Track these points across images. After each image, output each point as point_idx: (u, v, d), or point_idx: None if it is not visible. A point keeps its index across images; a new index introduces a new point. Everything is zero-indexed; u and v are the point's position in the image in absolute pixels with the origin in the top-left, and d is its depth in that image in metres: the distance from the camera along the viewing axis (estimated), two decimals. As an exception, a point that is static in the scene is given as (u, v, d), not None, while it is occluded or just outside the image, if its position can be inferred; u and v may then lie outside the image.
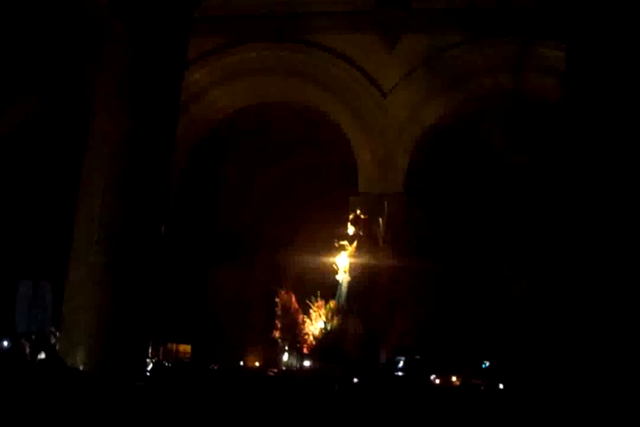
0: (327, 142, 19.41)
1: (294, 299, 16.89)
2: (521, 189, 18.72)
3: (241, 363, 17.51)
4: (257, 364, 17.46)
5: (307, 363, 15.97)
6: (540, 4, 16.34)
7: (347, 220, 17.26)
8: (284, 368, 15.99)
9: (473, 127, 18.42)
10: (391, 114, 17.97)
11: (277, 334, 16.80)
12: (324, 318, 16.38)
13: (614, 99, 10.51)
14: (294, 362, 16.25)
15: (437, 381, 15.50)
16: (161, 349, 17.37)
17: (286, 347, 16.51)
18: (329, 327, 16.28)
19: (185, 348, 18.15)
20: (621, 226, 9.81)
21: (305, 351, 16.27)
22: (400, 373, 14.90)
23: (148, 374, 12.55)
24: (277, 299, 16.91)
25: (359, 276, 16.43)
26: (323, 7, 18.11)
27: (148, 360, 13.28)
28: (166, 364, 16.02)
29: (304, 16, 18.20)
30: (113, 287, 11.43)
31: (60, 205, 14.30)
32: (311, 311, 16.64)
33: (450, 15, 17.44)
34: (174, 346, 17.90)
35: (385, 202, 17.43)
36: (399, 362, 15.19)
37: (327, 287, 17.00)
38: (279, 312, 16.86)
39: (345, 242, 16.90)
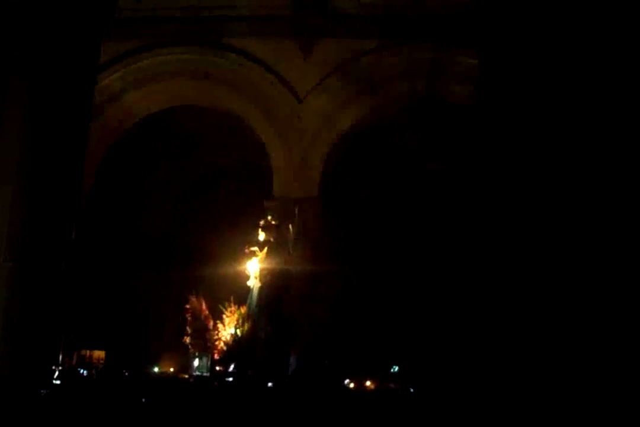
0: (244, 147, 19.38)
1: (204, 305, 16.83)
2: (437, 193, 18.92)
3: (156, 369, 17.33)
4: (171, 369, 17.29)
5: (217, 368, 15.92)
6: (456, 12, 16.55)
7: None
8: (195, 373, 15.92)
9: (389, 132, 18.58)
10: (306, 119, 18.04)
11: (187, 339, 16.73)
12: (234, 324, 16.37)
13: (525, 103, 10.72)
14: (205, 367, 16.19)
15: (352, 385, 15.59)
16: (75, 355, 17.11)
17: (196, 353, 16.43)
18: (239, 333, 16.27)
19: (100, 354, 17.89)
20: (536, 228, 9.98)
21: (216, 356, 16.23)
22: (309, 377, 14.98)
23: (57, 380, 12.38)
24: (187, 305, 16.83)
25: (269, 281, 16.46)
26: (240, 12, 18.12)
27: (58, 367, 13.07)
28: (80, 371, 15.86)
29: (220, 20, 18.17)
30: (21, 292, 11.26)
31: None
32: (224, 316, 16.62)
33: (366, 21, 17.60)
34: (88, 352, 17.63)
35: (296, 207, 17.50)
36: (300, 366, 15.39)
37: (241, 293, 17.00)
38: (189, 318, 16.79)
39: (255, 248, 16.91)
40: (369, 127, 18.39)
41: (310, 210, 17.63)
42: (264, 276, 16.50)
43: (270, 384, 13.94)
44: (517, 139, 10.55)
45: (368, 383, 15.76)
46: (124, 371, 15.75)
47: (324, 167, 18.10)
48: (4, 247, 11.29)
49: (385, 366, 16.03)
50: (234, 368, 15.50)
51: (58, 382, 12.40)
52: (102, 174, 18.85)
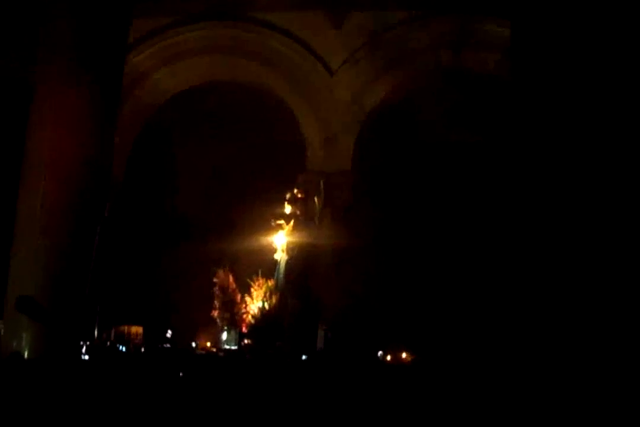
0: (276, 121, 19.36)
1: (231, 278, 16.98)
2: (469, 166, 18.80)
3: (193, 344, 17.51)
4: (208, 344, 17.49)
5: (245, 342, 16.12)
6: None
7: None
8: (224, 347, 16.13)
9: (418, 105, 18.45)
10: (338, 92, 17.97)
11: (215, 313, 16.92)
12: (262, 297, 16.51)
13: (560, 73, 10.60)
14: (233, 341, 16.39)
15: (388, 358, 15.65)
16: (112, 331, 17.32)
17: (225, 327, 16.61)
18: (267, 306, 16.41)
19: (138, 330, 18.09)
20: (575, 207, 9.88)
21: (244, 329, 16.40)
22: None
23: (86, 355, 12.58)
24: (214, 279, 16.99)
25: (296, 255, 16.55)
26: (269, -16, 18.05)
27: (91, 342, 13.27)
28: (119, 346, 16.08)
29: (248, -6, 18.13)
30: (57, 271, 11.43)
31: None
32: (252, 290, 16.76)
33: (395, -8, 17.47)
34: (126, 327, 17.84)
35: (321, 180, 17.51)
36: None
37: (268, 266, 17.13)
38: (216, 292, 16.96)
39: (282, 222, 17.00)
40: (399, 99, 18.28)
41: (343, 184, 17.65)
42: (291, 249, 16.62)
43: (304, 357, 14.05)
44: (551, 110, 10.45)
45: (404, 355, 15.84)
46: (162, 346, 15.96)
47: (356, 140, 18.05)
48: (37, 226, 11.47)
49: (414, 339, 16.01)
50: (260, 341, 15.63)
51: (87, 357, 12.60)
52: (134, 153, 18.96)
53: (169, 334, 17.53)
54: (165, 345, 16.50)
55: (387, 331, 15.99)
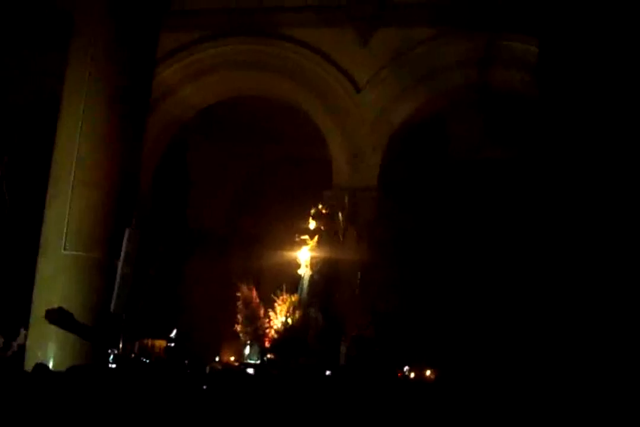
0: (301, 136, 19.43)
1: (255, 293, 16.99)
2: (497, 183, 18.77)
3: (217, 358, 17.51)
4: (232, 358, 17.48)
5: (268, 356, 16.09)
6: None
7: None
8: (247, 361, 16.11)
9: (445, 121, 18.47)
10: (365, 108, 17.97)
11: (238, 328, 16.91)
12: (286, 312, 16.51)
13: (587, 92, 10.61)
14: (256, 355, 16.36)
15: (412, 375, 15.58)
16: (137, 344, 17.36)
17: (248, 341, 16.60)
18: (290, 321, 16.39)
19: (161, 344, 18.14)
20: (603, 220, 9.86)
21: (267, 344, 16.38)
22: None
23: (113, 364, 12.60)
24: (238, 293, 17.00)
25: (319, 270, 16.55)
26: (297, 1, 18.16)
27: (119, 355, 13.28)
28: (143, 359, 16.08)
29: (276, 10, 18.22)
30: (84, 280, 11.49)
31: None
32: (276, 304, 16.76)
33: (422, 9, 17.48)
34: (150, 341, 17.88)
35: (347, 196, 17.50)
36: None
37: (293, 281, 17.14)
38: (240, 306, 16.96)
39: (306, 237, 17.01)
40: (425, 116, 18.28)
41: (368, 200, 17.63)
42: (315, 264, 16.61)
43: (328, 373, 14.01)
44: (577, 128, 10.46)
45: (428, 373, 15.76)
46: (185, 360, 15.93)
47: (383, 157, 18.04)
48: (65, 237, 11.52)
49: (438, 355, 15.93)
50: (283, 356, 15.62)
51: (114, 365, 12.61)
52: (161, 166, 19.05)
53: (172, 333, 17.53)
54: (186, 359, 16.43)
55: (410, 348, 15.91)
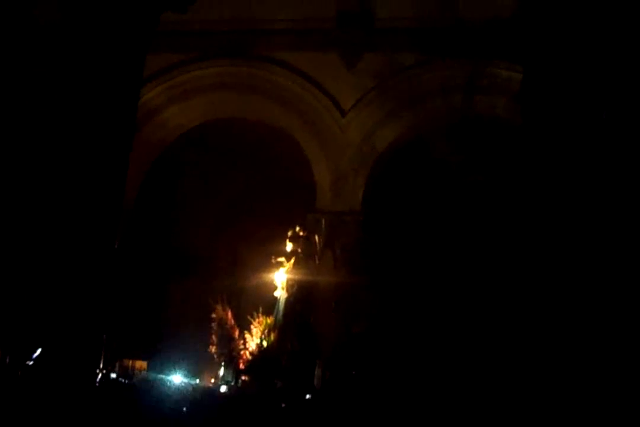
0: (286, 160, 19.47)
1: (230, 314, 17.01)
2: (479, 207, 18.84)
3: (197, 380, 17.45)
4: (212, 380, 17.42)
5: (243, 378, 16.10)
6: (492, 25, 16.60)
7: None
8: (220, 383, 16.12)
9: (429, 146, 18.55)
10: (350, 133, 18.09)
11: (212, 349, 16.93)
12: (261, 334, 16.52)
13: (570, 116, 10.74)
14: (230, 377, 16.38)
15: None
16: (117, 365, 17.28)
17: (222, 363, 16.61)
18: (265, 343, 16.40)
19: (142, 364, 18.06)
20: (581, 242, 9.97)
21: (241, 366, 16.38)
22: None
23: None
24: (213, 315, 17.02)
25: (295, 292, 16.58)
26: (284, 25, 18.27)
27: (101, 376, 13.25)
28: (122, 380, 16.01)
29: (264, 33, 18.33)
30: (63, 300, 11.43)
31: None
32: (252, 326, 16.78)
33: (408, 34, 17.63)
34: (130, 362, 17.80)
35: (322, 219, 17.56)
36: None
37: (269, 303, 17.19)
38: (215, 327, 16.98)
39: (282, 259, 17.08)
40: (410, 141, 18.39)
41: (350, 224, 17.67)
42: (291, 287, 16.64)
43: (308, 396, 14.00)
44: (560, 152, 10.57)
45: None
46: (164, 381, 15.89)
47: (366, 181, 18.11)
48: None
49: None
50: (257, 378, 15.60)
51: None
52: (146, 188, 19.04)
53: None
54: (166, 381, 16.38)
55: (386, 371, 15.87)
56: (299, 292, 16.68)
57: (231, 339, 16.92)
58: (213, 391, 15.45)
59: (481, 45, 16.97)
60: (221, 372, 16.76)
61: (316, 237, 17.33)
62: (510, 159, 14.81)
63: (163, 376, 16.82)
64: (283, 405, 13.12)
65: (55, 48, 13.03)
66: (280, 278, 17.08)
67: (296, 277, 16.82)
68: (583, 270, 9.93)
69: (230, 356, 16.73)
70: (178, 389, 15.19)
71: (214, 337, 17.05)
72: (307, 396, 14.20)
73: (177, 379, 16.66)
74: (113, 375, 16.07)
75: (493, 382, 13.53)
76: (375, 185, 18.24)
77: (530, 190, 11.27)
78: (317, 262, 17.03)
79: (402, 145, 18.39)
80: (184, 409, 12.61)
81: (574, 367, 9.74)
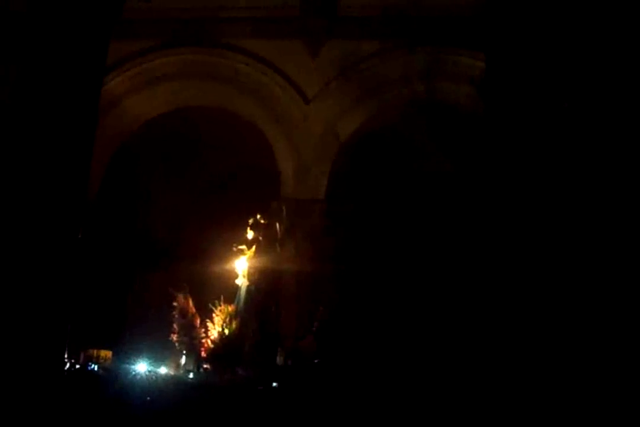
0: (251, 148, 19.44)
1: (191, 302, 17.02)
2: (443, 196, 18.94)
3: (162, 368, 17.42)
4: (174, 369, 17.41)
5: (205, 366, 16.13)
6: (455, 13, 16.68)
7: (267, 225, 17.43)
8: (181, 371, 16.15)
9: (394, 134, 18.63)
10: (313, 120, 18.06)
11: (174, 337, 16.94)
12: (222, 322, 16.55)
13: (533, 105, 10.79)
14: (191, 365, 16.42)
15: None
16: (82, 355, 17.23)
17: (184, 351, 16.64)
18: (227, 332, 16.43)
19: (107, 354, 18.00)
20: (544, 231, 10.04)
21: (203, 354, 16.41)
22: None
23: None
24: (174, 303, 17.03)
25: (257, 280, 16.62)
26: (247, 13, 18.19)
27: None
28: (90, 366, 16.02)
29: (227, 21, 18.24)
30: (27, 291, 11.36)
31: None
32: (213, 315, 16.80)
33: (370, 22, 17.65)
34: (95, 351, 17.74)
35: (283, 206, 17.58)
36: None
37: (231, 291, 17.22)
38: (176, 316, 17.00)
39: (244, 247, 17.10)
40: (374, 129, 18.42)
41: (314, 212, 17.69)
42: (252, 275, 16.64)
43: (275, 384, 14.04)
44: (522, 141, 10.63)
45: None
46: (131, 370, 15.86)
47: (330, 169, 18.12)
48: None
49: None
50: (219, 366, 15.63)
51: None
52: (108, 178, 18.92)
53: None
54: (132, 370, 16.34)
55: (349, 358, 15.95)
56: (260, 280, 16.71)
57: (192, 327, 16.94)
58: (180, 380, 15.45)
59: (443, 33, 17.02)
60: (182, 360, 16.77)
61: (277, 225, 17.33)
62: (473, 148, 14.88)
63: (127, 365, 16.76)
64: (251, 393, 13.15)
65: (16, 37, 12.87)
66: (242, 266, 17.09)
67: (257, 265, 16.83)
68: (544, 259, 10.00)
69: (192, 344, 16.75)
70: (143, 378, 15.16)
71: (175, 325, 17.06)
72: (274, 384, 14.21)
73: (142, 367, 16.61)
74: (90, 366, 16.02)
75: (453, 369, 13.63)
76: (340, 173, 18.25)
77: (492, 178, 11.32)
78: (278, 250, 17.03)
79: (367, 134, 18.40)
80: (149, 398, 12.61)
81: (521, 349, 9.83)
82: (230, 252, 17.80)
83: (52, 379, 11.03)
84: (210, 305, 17.05)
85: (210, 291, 18.48)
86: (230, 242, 18.10)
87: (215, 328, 16.71)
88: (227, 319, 16.67)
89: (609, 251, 9.62)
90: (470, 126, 15.85)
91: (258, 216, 17.45)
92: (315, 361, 15.27)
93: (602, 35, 10.58)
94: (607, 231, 9.75)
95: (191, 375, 16.12)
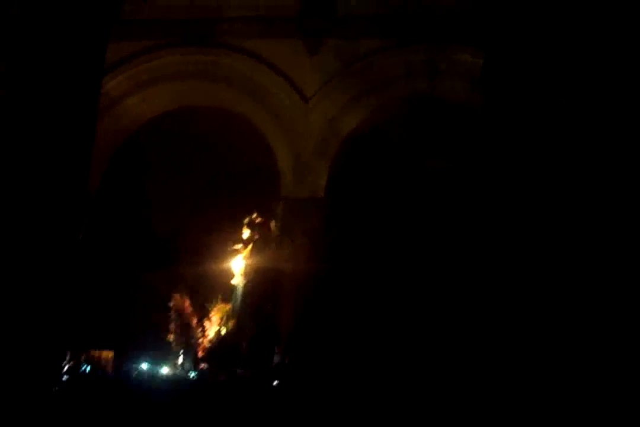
0: (249, 147, 19.41)
1: (187, 303, 17.01)
2: (443, 192, 18.87)
3: (165, 368, 17.47)
4: (173, 369, 17.44)
5: (202, 366, 16.13)
6: (453, 11, 16.67)
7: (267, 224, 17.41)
8: (179, 370, 16.16)
9: (393, 132, 18.59)
10: (312, 119, 18.04)
11: (171, 337, 16.92)
12: (219, 321, 16.53)
13: (530, 101, 10.79)
14: (189, 365, 16.42)
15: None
16: (83, 356, 17.24)
17: (180, 350, 16.64)
18: (224, 331, 16.40)
19: (108, 354, 18.02)
20: (542, 227, 10.03)
21: (200, 353, 16.40)
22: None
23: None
24: (170, 303, 17.03)
25: (253, 279, 16.56)
26: (246, 13, 18.18)
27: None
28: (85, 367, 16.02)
29: (227, 21, 18.22)
30: (27, 292, 11.35)
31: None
32: (210, 314, 16.78)
33: (370, 21, 17.65)
34: (97, 352, 17.76)
35: (279, 206, 17.54)
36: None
37: (229, 290, 17.20)
38: (172, 316, 16.99)
39: (239, 246, 17.04)
40: (374, 127, 18.41)
41: (314, 211, 17.64)
42: (248, 273, 16.57)
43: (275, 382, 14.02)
44: (521, 136, 10.63)
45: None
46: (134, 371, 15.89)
47: (330, 167, 18.11)
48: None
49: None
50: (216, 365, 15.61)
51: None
52: (108, 178, 18.91)
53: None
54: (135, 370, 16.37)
55: (344, 357, 15.90)
56: (256, 279, 16.65)
57: (189, 327, 16.93)
58: (182, 379, 15.46)
59: (443, 31, 17.01)
60: (180, 360, 16.78)
61: (272, 224, 17.27)
62: (472, 144, 14.86)
63: (132, 365, 16.80)
64: (250, 393, 13.14)
65: (16, 37, 12.84)
66: (238, 265, 17.05)
67: (254, 264, 16.77)
68: (541, 254, 9.99)
69: (189, 344, 16.75)
70: (145, 377, 15.19)
71: (172, 325, 17.06)
72: (274, 384, 14.19)
73: (143, 367, 16.66)
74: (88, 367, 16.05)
75: (449, 364, 13.59)
76: (339, 171, 18.22)
77: (492, 174, 11.32)
78: (274, 248, 16.97)
79: (366, 131, 18.37)
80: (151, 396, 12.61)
81: (511, 346, 9.82)
82: (223, 251, 17.78)
83: (50, 379, 11.04)
84: (206, 304, 17.04)
85: (207, 290, 18.49)
86: (227, 241, 18.09)
87: (213, 327, 16.69)
88: (224, 319, 16.65)
89: (608, 246, 9.61)
90: (470, 122, 15.83)
91: (254, 215, 17.40)
92: (313, 359, 15.26)
93: (600, 32, 10.58)
94: (606, 227, 9.73)
95: (191, 374, 16.11)
